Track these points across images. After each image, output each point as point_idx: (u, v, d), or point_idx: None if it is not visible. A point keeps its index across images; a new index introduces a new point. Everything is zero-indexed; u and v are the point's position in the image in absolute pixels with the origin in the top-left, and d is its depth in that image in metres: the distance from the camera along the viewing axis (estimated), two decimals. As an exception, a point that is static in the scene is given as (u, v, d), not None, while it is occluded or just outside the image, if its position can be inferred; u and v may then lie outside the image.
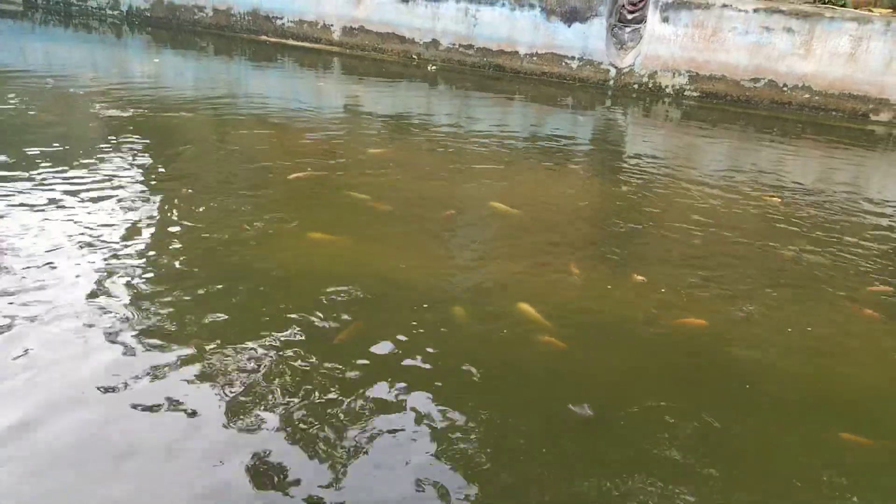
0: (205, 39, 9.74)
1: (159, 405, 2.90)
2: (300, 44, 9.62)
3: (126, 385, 3.02)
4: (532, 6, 8.36)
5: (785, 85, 7.79)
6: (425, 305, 3.74)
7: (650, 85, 8.24)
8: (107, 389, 3.01)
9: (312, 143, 6.00)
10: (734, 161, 6.53)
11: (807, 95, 7.74)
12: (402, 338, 3.41)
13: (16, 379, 3.00)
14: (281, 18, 9.65)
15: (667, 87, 8.18)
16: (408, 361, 3.23)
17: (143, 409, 2.87)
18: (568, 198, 5.39)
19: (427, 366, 3.20)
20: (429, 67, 8.97)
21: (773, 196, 5.58)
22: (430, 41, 9.07)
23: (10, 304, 3.44)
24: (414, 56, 9.16)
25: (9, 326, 3.34)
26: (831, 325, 3.76)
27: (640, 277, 3.99)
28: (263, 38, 9.76)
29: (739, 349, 3.50)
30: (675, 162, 6.26)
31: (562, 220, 5.03)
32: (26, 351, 3.18)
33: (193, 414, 2.86)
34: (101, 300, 3.62)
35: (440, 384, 3.08)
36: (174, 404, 2.90)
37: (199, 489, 2.48)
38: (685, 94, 8.13)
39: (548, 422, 2.90)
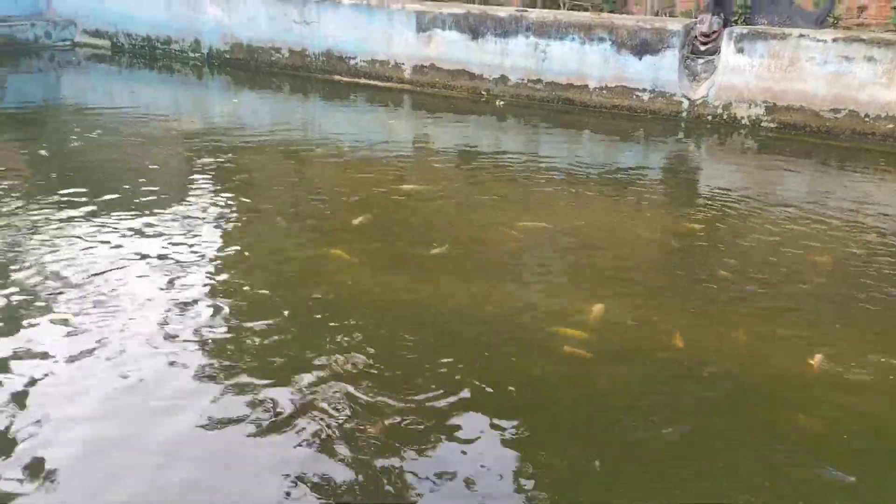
0: (281, 80, 10.07)
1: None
2: (372, 82, 9.84)
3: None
4: (602, 40, 8.37)
5: (867, 115, 7.55)
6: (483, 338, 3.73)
7: (725, 116, 8.11)
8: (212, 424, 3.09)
9: (382, 176, 6.08)
10: (815, 193, 6.34)
11: (890, 125, 7.48)
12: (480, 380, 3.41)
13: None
14: (354, 58, 9.91)
15: (742, 117, 8.03)
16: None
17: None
18: (642, 232, 5.31)
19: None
20: (497, 103, 9.05)
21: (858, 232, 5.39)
22: (498, 77, 9.16)
23: (98, 342, 3.56)
24: (483, 92, 9.26)
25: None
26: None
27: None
28: (336, 77, 10.03)
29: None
30: (753, 194, 6.11)
31: (636, 256, 4.96)
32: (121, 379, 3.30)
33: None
34: (179, 328, 3.73)
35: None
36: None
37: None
38: (761, 124, 7.96)
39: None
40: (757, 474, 2.84)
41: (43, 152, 6.64)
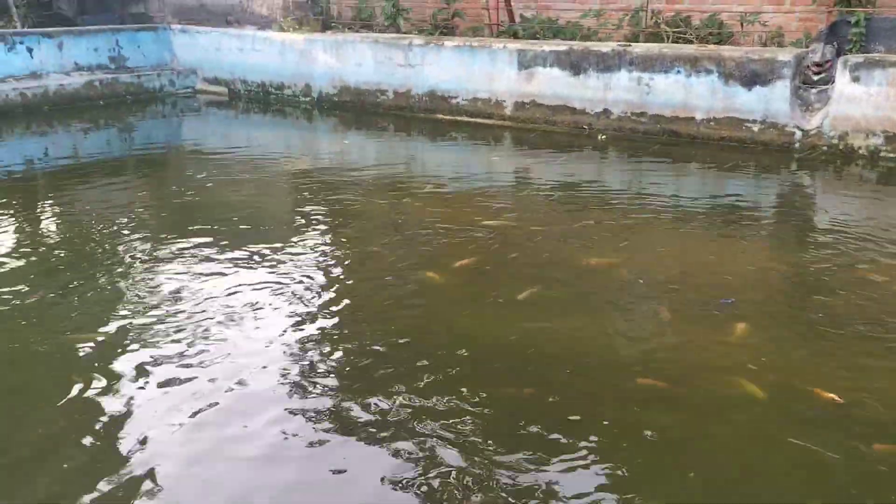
0: (386, 120, 10.45)
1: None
2: (473, 120, 10.06)
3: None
4: (709, 71, 8.29)
5: None
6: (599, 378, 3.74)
7: (840, 147, 7.83)
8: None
9: (485, 218, 6.16)
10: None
11: None
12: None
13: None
14: (456, 97, 10.17)
15: (859, 148, 7.74)
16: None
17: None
18: (750, 271, 5.17)
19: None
20: (599, 137, 9.06)
21: None
22: (601, 111, 9.19)
23: (212, 381, 3.78)
24: (584, 126, 9.30)
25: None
26: None
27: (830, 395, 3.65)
28: (439, 116, 10.31)
29: None
30: (873, 232, 5.79)
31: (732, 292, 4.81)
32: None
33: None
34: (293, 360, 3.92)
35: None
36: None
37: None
38: (880, 155, 7.64)
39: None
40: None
41: (168, 191, 7.15)
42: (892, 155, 7.61)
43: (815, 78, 7.93)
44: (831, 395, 3.47)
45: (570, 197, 6.85)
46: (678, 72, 8.49)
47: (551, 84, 9.44)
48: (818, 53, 7.85)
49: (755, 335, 4.10)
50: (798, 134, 8.02)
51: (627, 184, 7.39)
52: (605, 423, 3.35)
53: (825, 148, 7.91)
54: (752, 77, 8.09)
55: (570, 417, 3.39)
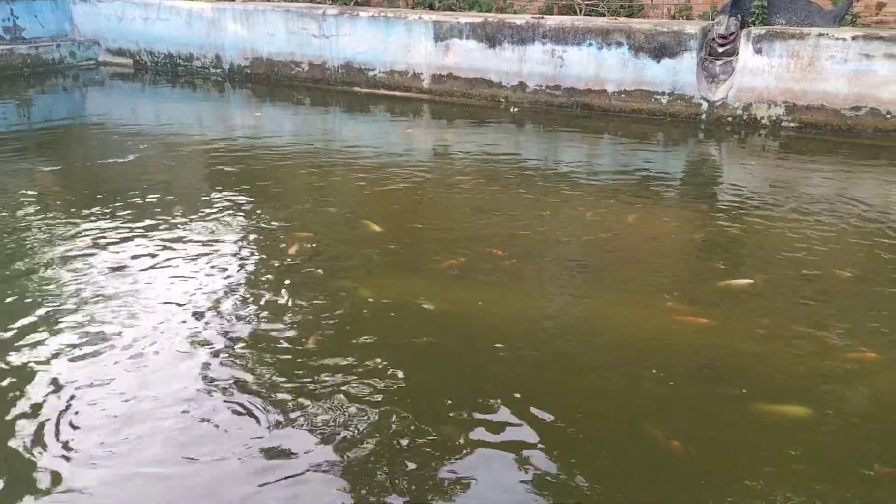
0: (301, 93, 10.21)
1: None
2: (391, 93, 9.95)
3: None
4: (620, 44, 8.41)
5: (888, 112, 7.52)
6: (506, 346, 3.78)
7: (745, 117, 8.11)
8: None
9: (402, 189, 6.16)
10: (835, 192, 6.32)
11: (913, 121, 7.45)
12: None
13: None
14: (373, 70, 10.02)
15: (762, 118, 8.03)
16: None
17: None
18: (659, 234, 5.34)
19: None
20: (511, 109, 9.11)
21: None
22: (516, 84, 9.22)
23: (116, 362, 3.64)
24: (501, 99, 9.33)
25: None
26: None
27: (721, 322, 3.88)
28: (356, 89, 10.15)
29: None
30: (771, 195, 6.11)
31: (657, 256, 4.98)
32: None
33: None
34: (199, 347, 3.81)
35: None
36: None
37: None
38: (782, 124, 7.96)
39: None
40: None
41: (69, 169, 6.80)
42: (792, 124, 7.93)
43: (721, 50, 8.16)
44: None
45: (487, 170, 6.86)
46: (590, 44, 8.59)
47: (468, 57, 9.41)
48: (723, 26, 8.07)
49: (681, 302, 4.23)
50: (705, 105, 8.26)
51: (543, 156, 7.46)
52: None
53: (730, 118, 8.18)
54: (661, 50, 8.26)
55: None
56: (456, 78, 9.57)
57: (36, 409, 3.22)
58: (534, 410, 3.22)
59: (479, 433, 3.09)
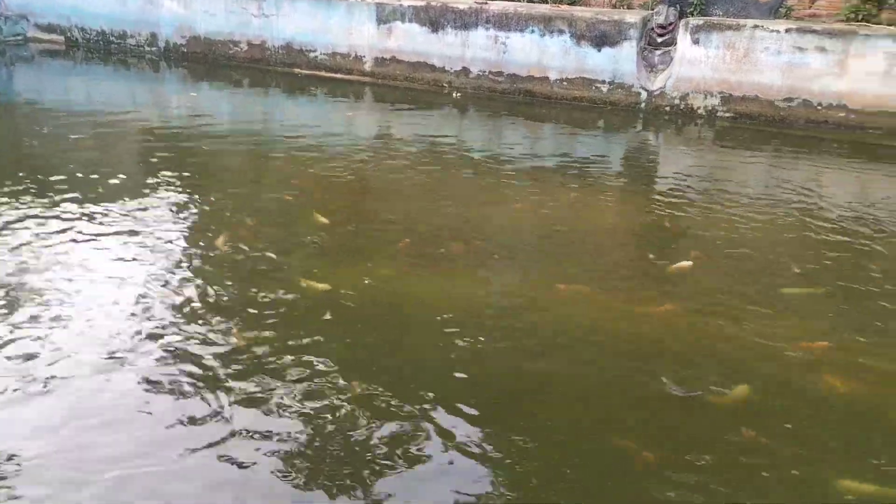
0: (240, 73, 9.95)
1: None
2: (333, 75, 9.78)
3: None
4: (562, 32, 8.41)
5: (820, 104, 7.70)
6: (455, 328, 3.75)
7: (682, 107, 8.21)
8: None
9: (342, 174, 6.07)
10: (768, 181, 6.46)
11: (842, 114, 7.64)
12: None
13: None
14: (314, 51, 9.83)
15: (699, 108, 8.14)
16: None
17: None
18: (600, 220, 5.37)
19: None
20: (454, 95, 9.05)
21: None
22: (460, 69, 9.16)
23: (36, 339, 3.49)
24: (444, 84, 9.25)
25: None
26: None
27: (667, 307, 3.91)
28: (297, 70, 9.94)
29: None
30: (707, 183, 6.23)
31: (593, 242, 5.00)
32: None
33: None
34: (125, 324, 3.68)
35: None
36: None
37: None
38: (718, 115, 8.08)
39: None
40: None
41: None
42: (728, 114, 8.06)
43: (660, 40, 8.23)
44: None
45: (430, 155, 6.79)
46: (533, 31, 8.57)
47: (410, 40, 9.30)
48: (662, 16, 8.14)
49: (587, 280, 4.24)
50: (644, 94, 8.34)
51: (486, 142, 7.42)
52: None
53: (668, 108, 8.27)
54: (602, 38, 8.29)
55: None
56: (399, 62, 9.46)
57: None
58: (474, 395, 3.19)
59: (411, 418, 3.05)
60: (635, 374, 3.44)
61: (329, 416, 3.05)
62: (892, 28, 7.55)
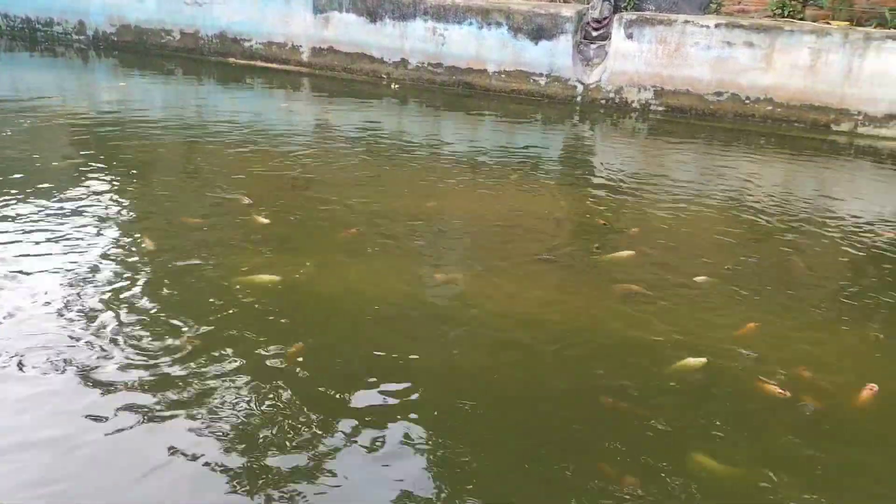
0: (172, 63, 9.71)
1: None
2: (269, 65, 9.63)
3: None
4: (499, 24, 8.45)
5: (747, 98, 7.93)
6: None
7: (617, 100, 8.35)
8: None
9: (279, 165, 6.00)
10: (698, 173, 6.63)
11: (769, 108, 7.89)
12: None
13: None
14: (249, 41, 9.65)
15: (633, 102, 8.30)
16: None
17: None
18: (537, 213, 5.43)
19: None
20: (392, 86, 9.02)
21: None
22: (398, 60, 9.12)
23: None
24: (383, 75, 9.21)
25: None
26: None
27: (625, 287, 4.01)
28: (232, 60, 9.76)
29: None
30: (640, 175, 6.36)
31: (531, 232, 5.06)
32: None
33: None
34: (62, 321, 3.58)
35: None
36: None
37: None
38: (651, 108, 8.25)
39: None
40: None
41: None
42: (660, 108, 8.23)
43: (595, 34, 8.34)
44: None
45: (369, 147, 6.74)
46: (471, 23, 8.59)
47: (348, 30, 9.21)
48: (597, 10, 8.25)
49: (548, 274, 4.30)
50: (580, 88, 8.45)
51: (425, 134, 7.41)
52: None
53: (604, 101, 8.40)
54: (539, 31, 8.36)
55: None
56: (337, 52, 9.36)
57: None
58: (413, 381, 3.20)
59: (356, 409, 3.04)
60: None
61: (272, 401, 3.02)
62: (815, 24, 7.82)
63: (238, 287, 3.95)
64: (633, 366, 3.51)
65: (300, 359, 3.39)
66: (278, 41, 9.56)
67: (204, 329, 3.56)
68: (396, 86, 9.01)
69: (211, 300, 3.82)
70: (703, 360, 3.49)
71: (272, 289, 3.97)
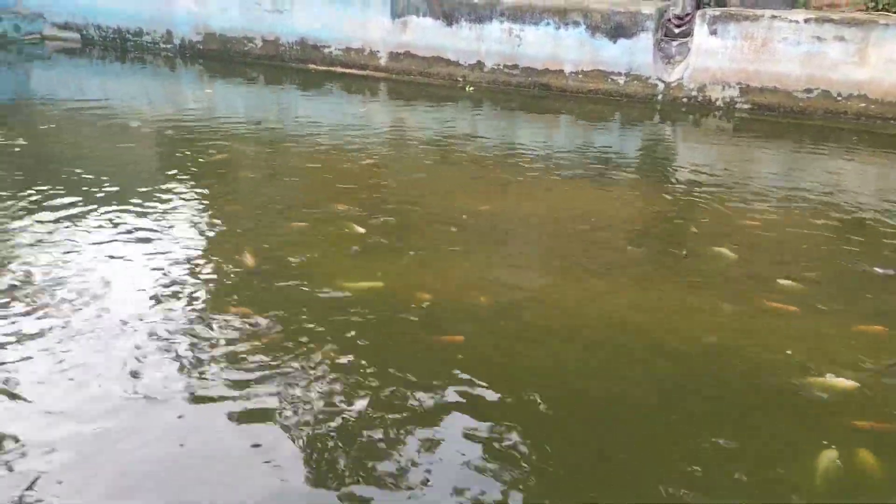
0: (255, 70, 9.98)
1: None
2: (347, 70, 9.78)
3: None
4: (577, 24, 8.37)
5: (839, 94, 7.62)
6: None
7: (699, 98, 8.15)
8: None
9: (359, 168, 6.07)
10: (788, 173, 6.41)
11: (862, 104, 7.56)
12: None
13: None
14: (328, 47, 9.84)
15: (717, 99, 8.08)
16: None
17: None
18: (618, 214, 5.34)
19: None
20: (467, 88, 9.03)
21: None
22: (474, 63, 9.14)
23: (59, 342, 3.49)
24: (459, 78, 9.24)
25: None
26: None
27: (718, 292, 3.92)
28: (311, 66, 9.96)
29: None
30: (727, 175, 6.19)
31: (611, 236, 4.98)
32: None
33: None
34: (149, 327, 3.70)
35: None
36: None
37: None
38: (736, 106, 8.02)
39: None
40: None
41: (15, 148, 6.54)
42: (746, 106, 7.99)
43: (676, 31, 8.17)
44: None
45: (445, 150, 6.78)
46: (548, 24, 8.53)
47: (425, 34, 9.28)
48: (679, 7, 8.08)
49: (623, 276, 4.22)
50: (660, 86, 8.28)
51: (501, 136, 7.40)
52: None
53: (685, 99, 8.21)
54: (618, 30, 8.24)
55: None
56: (413, 56, 9.45)
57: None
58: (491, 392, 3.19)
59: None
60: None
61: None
62: (912, 16, 7.45)
63: (345, 294, 3.97)
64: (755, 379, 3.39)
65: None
66: (356, 47, 9.71)
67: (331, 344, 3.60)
68: (472, 88, 9.03)
69: (321, 308, 3.87)
70: (851, 383, 3.23)
71: (375, 293, 3.99)
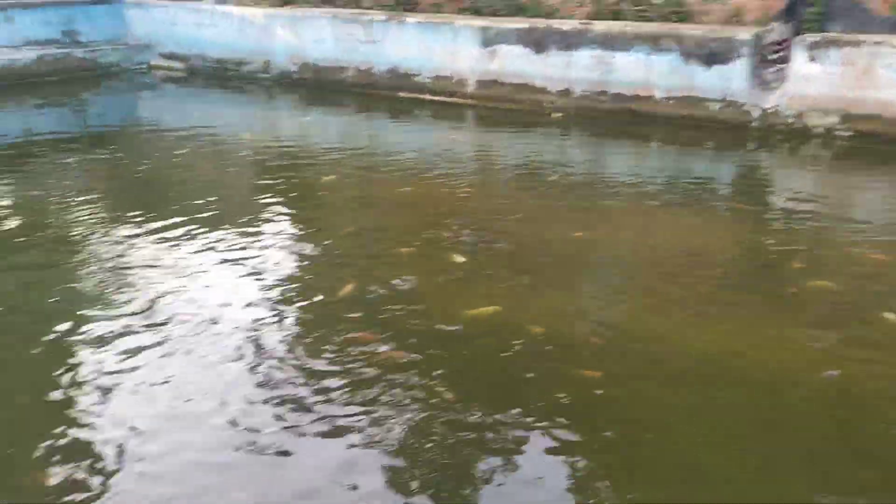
0: (347, 97, 10.32)
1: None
2: (436, 98, 10.00)
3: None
4: (670, 50, 8.33)
5: (947, 121, 7.33)
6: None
7: (796, 125, 7.96)
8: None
9: (452, 195, 6.19)
10: (892, 204, 6.19)
11: (974, 131, 7.24)
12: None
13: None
14: (418, 75, 10.09)
15: (815, 127, 7.88)
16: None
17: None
18: (711, 248, 5.27)
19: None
20: (552, 115, 9.08)
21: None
22: (562, 89, 9.19)
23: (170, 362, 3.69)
24: (546, 105, 9.31)
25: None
26: None
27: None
28: (401, 94, 10.23)
29: None
30: (829, 208, 6.01)
31: (718, 269, 4.93)
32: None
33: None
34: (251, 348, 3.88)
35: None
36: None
37: None
38: (836, 133, 7.79)
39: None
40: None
41: (126, 171, 6.99)
42: (846, 133, 7.76)
43: (773, 57, 8.03)
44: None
45: (534, 177, 6.86)
46: (639, 50, 8.52)
47: (513, 62, 9.41)
48: (776, 32, 7.95)
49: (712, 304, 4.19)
50: (756, 112, 8.14)
51: (590, 163, 7.43)
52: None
53: (782, 126, 8.04)
54: (712, 56, 8.16)
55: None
56: (501, 83, 9.58)
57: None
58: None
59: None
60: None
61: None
62: None
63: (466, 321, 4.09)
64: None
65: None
66: (445, 75, 9.92)
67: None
68: (559, 114, 9.08)
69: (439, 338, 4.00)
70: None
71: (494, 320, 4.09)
